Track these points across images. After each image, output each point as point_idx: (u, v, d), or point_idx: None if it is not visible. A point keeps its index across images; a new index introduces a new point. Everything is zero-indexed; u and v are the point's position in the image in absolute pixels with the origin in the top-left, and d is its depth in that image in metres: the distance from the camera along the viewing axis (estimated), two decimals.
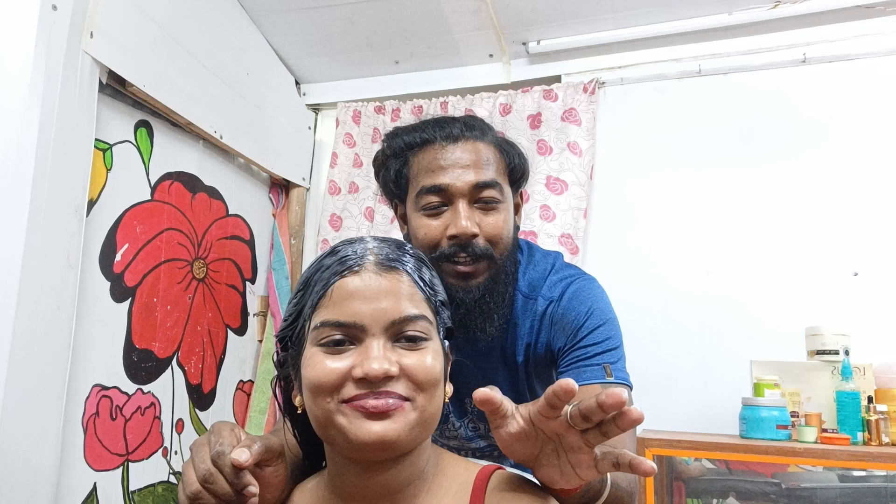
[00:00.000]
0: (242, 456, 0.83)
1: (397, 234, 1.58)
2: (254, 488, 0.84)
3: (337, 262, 0.89)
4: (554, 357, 1.38)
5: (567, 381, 0.76)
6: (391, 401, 0.83)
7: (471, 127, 1.37)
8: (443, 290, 0.98)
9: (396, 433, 0.82)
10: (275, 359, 0.98)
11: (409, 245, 0.97)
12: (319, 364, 0.85)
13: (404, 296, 0.87)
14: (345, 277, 0.87)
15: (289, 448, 1.00)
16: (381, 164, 1.45)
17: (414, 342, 0.87)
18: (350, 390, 0.83)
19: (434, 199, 1.31)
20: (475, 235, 1.30)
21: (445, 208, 1.32)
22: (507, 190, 1.38)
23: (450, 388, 0.95)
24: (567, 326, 1.35)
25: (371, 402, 0.82)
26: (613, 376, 1.29)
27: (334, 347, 0.86)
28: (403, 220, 1.44)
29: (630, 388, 1.34)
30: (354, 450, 0.84)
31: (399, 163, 1.38)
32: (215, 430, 0.90)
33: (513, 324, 1.40)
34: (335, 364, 0.84)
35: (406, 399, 0.84)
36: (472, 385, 1.42)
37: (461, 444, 1.53)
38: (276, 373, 0.98)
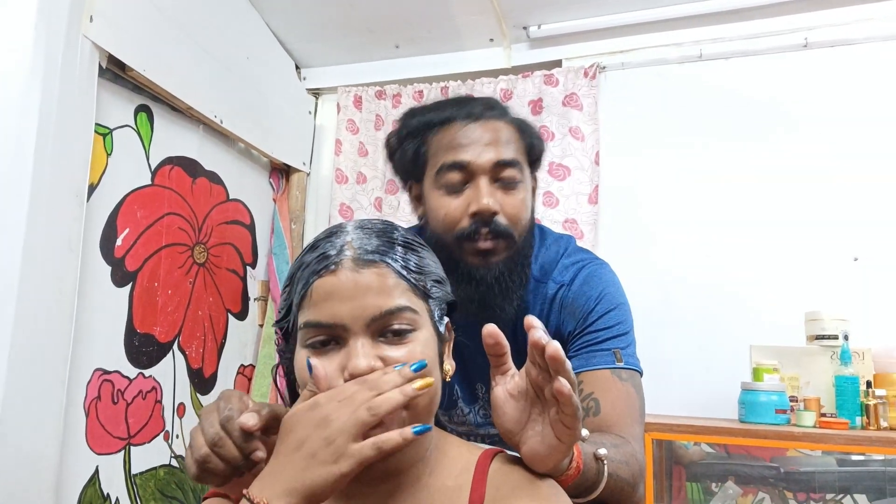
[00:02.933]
0: (251, 420, 0.83)
1: (403, 222, 1.57)
2: (261, 453, 0.84)
3: (315, 261, 0.87)
4: (564, 341, 1.36)
5: (533, 326, 0.81)
6: None
7: (491, 106, 1.37)
8: (437, 267, 0.97)
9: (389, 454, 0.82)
10: (277, 347, 0.98)
11: (395, 229, 0.94)
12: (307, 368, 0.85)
13: (384, 290, 0.85)
14: (322, 277, 0.85)
15: None
16: (396, 144, 1.43)
17: (399, 335, 0.85)
18: None
19: (455, 175, 1.30)
20: (496, 213, 1.29)
21: (466, 186, 1.30)
22: (526, 170, 1.38)
23: (451, 366, 0.95)
24: (577, 311, 1.35)
25: None
26: (623, 361, 1.29)
27: (321, 348, 0.85)
28: (418, 200, 1.43)
29: (640, 373, 1.34)
30: None
31: (417, 142, 1.37)
32: (224, 397, 0.90)
33: (523, 308, 1.38)
34: (323, 365, 0.84)
35: None
36: (484, 371, 1.43)
37: (470, 429, 1.53)
38: (274, 358, 0.97)
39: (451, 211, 1.30)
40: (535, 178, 1.45)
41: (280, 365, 0.98)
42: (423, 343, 0.86)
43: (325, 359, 0.85)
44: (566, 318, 1.36)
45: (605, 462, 1.00)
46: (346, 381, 0.82)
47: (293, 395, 0.98)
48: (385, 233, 0.91)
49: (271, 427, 0.87)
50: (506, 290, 1.31)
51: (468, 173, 1.30)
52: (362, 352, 0.83)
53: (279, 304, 0.95)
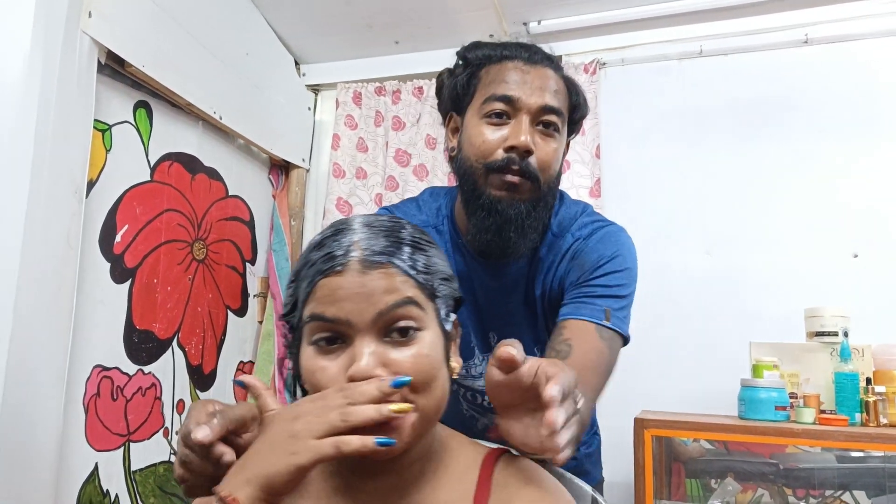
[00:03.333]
0: (201, 434, 0.81)
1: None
2: (228, 456, 0.82)
3: (321, 260, 0.86)
4: (563, 291, 1.38)
5: (500, 351, 0.78)
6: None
7: (549, 58, 1.41)
8: (445, 264, 0.95)
9: (396, 445, 0.82)
10: (284, 341, 0.97)
11: (403, 227, 0.92)
12: (316, 367, 0.85)
13: (391, 289, 0.85)
14: (328, 277, 0.85)
15: None
16: (448, 75, 1.47)
17: (404, 335, 0.84)
18: None
19: (500, 105, 1.32)
20: (531, 152, 1.31)
21: (508, 121, 1.33)
22: (565, 127, 1.40)
23: (458, 363, 0.94)
24: (586, 264, 1.36)
25: None
26: (611, 322, 1.29)
27: (327, 347, 0.85)
28: (454, 132, 1.45)
29: (625, 338, 1.33)
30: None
31: (471, 72, 1.41)
32: (190, 409, 0.89)
33: (538, 259, 1.41)
34: (328, 367, 0.84)
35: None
36: (496, 321, 1.45)
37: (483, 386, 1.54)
38: (274, 354, 0.96)
39: (488, 140, 1.32)
40: (568, 142, 1.46)
41: (286, 358, 0.98)
42: (428, 344, 0.86)
43: (331, 359, 0.84)
44: (573, 268, 1.37)
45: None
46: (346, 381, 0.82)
47: (301, 392, 0.97)
48: (393, 232, 0.89)
49: (237, 429, 0.86)
50: (522, 227, 1.33)
51: (513, 109, 1.32)
52: (366, 353, 0.82)
53: (284, 299, 0.94)
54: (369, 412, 0.76)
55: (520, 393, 0.82)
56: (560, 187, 1.41)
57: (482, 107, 1.35)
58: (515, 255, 1.36)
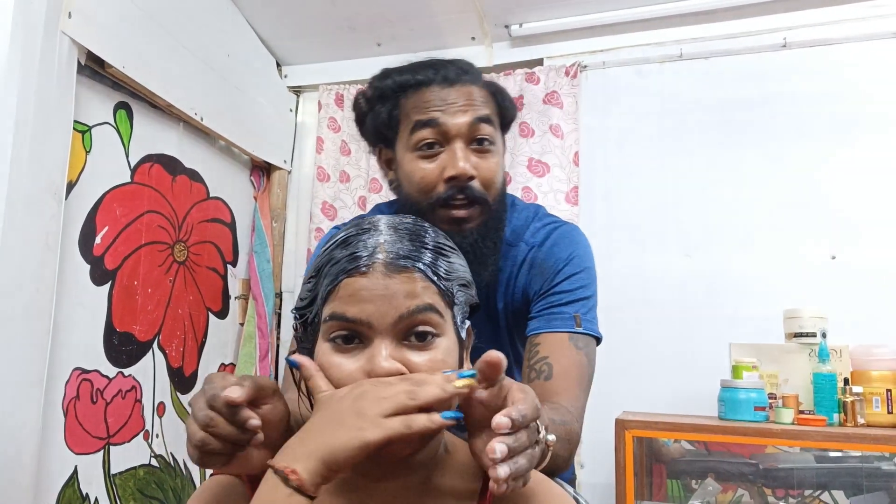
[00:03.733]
0: (235, 393, 0.81)
1: None
2: (255, 421, 0.82)
3: (346, 259, 0.86)
4: (528, 302, 1.38)
5: (491, 353, 0.77)
6: None
7: (465, 70, 1.37)
8: (465, 270, 0.95)
9: (409, 448, 0.82)
10: (294, 334, 0.97)
11: (426, 231, 0.92)
12: (332, 363, 0.85)
13: (413, 294, 0.85)
14: (353, 277, 0.85)
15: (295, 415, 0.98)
16: (367, 106, 1.42)
17: (422, 339, 0.85)
18: None
19: (428, 134, 1.29)
20: (472, 178, 1.28)
21: (441, 149, 1.30)
22: (499, 133, 1.38)
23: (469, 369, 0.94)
24: (546, 271, 1.36)
25: None
26: (582, 327, 1.30)
27: (344, 345, 0.85)
28: (388, 165, 1.42)
29: (598, 339, 1.34)
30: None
31: (390, 105, 1.36)
32: (208, 380, 0.88)
33: (496, 271, 1.40)
34: (345, 364, 0.84)
35: None
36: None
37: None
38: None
39: (427, 175, 1.29)
40: (504, 142, 1.43)
41: (296, 352, 0.98)
42: (444, 350, 0.86)
43: (347, 357, 0.85)
44: (534, 277, 1.37)
45: (551, 448, 0.97)
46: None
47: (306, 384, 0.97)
48: (417, 235, 0.90)
49: (259, 398, 0.86)
50: (481, 256, 1.31)
51: (443, 135, 1.29)
52: (385, 354, 0.83)
53: (301, 292, 0.94)
54: (435, 391, 0.78)
55: (492, 410, 0.80)
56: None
57: (410, 138, 1.32)
58: (480, 283, 1.34)
